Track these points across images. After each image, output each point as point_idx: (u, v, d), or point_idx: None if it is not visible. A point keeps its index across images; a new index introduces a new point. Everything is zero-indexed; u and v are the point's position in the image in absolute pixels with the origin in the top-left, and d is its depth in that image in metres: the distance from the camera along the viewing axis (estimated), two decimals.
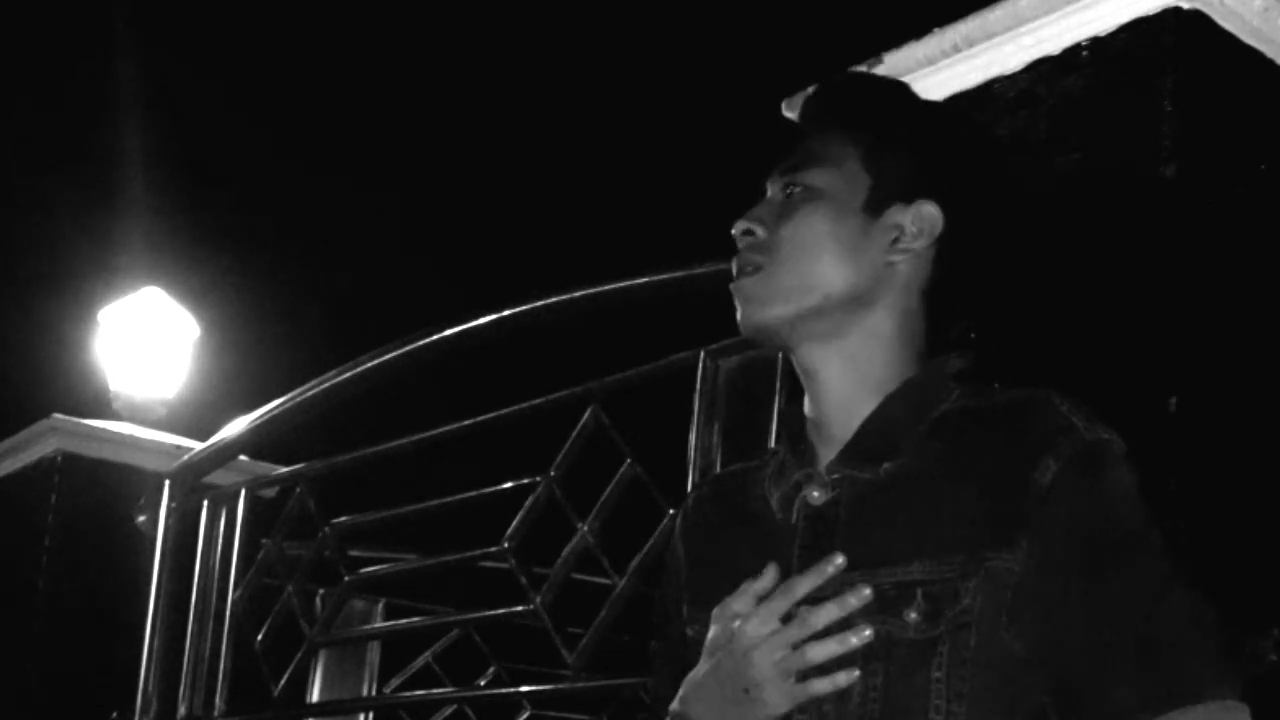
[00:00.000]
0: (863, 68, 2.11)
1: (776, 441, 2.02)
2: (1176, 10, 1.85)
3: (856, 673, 1.21)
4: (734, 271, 1.37)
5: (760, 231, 1.35)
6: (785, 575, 1.28)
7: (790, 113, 2.16)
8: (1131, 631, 1.18)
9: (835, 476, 1.30)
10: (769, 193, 1.40)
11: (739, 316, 1.36)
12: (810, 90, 1.47)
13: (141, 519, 3.67)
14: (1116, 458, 1.24)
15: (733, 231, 1.38)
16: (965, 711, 1.19)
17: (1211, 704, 1.17)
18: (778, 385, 2.12)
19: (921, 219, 1.33)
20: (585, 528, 2.47)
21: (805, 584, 1.24)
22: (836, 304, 1.32)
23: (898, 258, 1.33)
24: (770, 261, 1.34)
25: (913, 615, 1.21)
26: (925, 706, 1.20)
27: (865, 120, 1.38)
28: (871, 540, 1.26)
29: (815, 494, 1.30)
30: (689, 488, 2.25)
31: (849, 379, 1.33)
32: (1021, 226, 1.48)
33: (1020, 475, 1.21)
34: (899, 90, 1.47)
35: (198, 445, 3.71)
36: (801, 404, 1.38)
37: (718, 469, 2.22)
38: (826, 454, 1.33)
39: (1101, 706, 1.18)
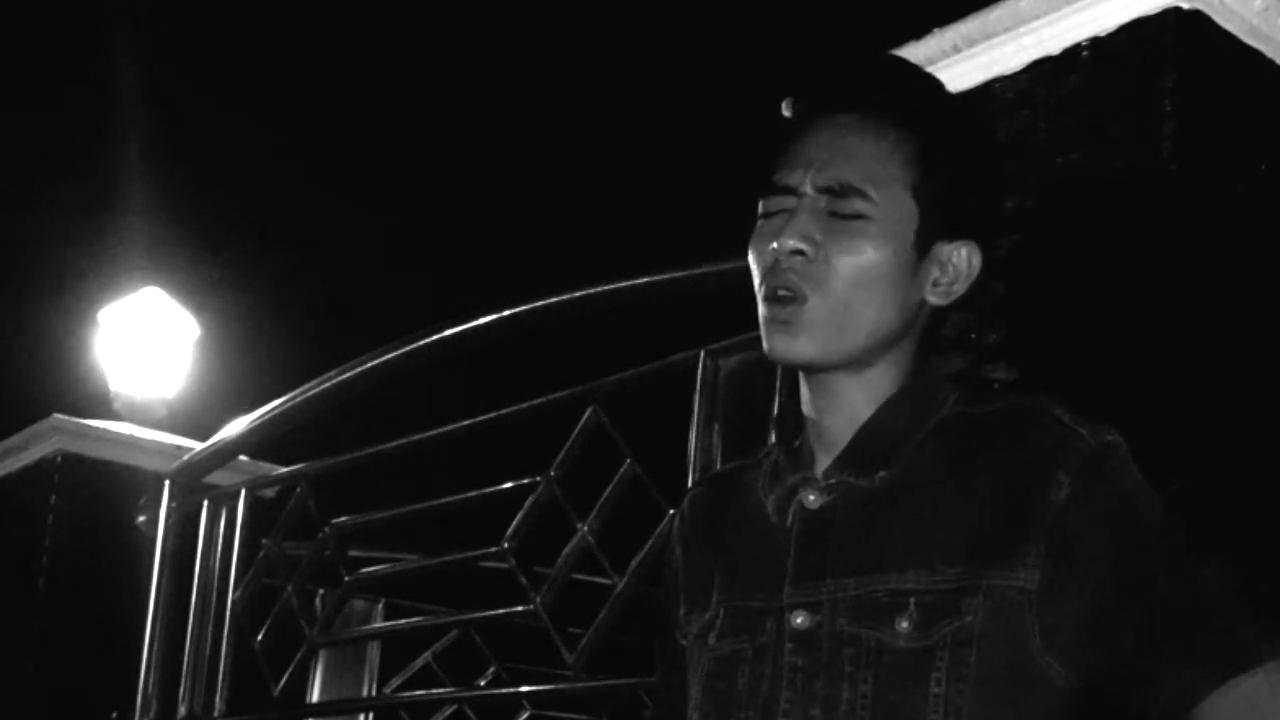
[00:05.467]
0: None
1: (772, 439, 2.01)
2: (1176, 10, 1.84)
3: None
4: (768, 290, 1.28)
5: (810, 253, 1.26)
6: (779, 580, 1.27)
7: (789, 111, 2.15)
8: (1177, 612, 1.19)
9: (832, 482, 1.29)
10: (795, 186, 1.29)
11: (770, 342, 1.29)
12: (844, 65, 1.36)
13: (142, 519, 3.68)
14: (1123, 457, 1.24)
15: (776, 245, 1.27)
16: None
17: (1270, 664, 1.18)
18: (778, 385, 2.12)
19: (962, 262, 1.30)
20: (585, 528, 2.47)
21: None
22: (877, 344, 1.28)
23: (935, 300, 1.30)
24: (819, 293, 1.26)
25: (903, 624, 1.20)
26: None
27: (914, 127, 1.28)
28: (866, 547, 1.25)
29: (811, 499, 1.29)
30: (688, 487, 2.25)
31: (861, 396, 1.31)
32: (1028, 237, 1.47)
33: (1030, 492, 1.21)
34: (941, 90, 1.37)
35: (198, 445, 3.72)
36: (798, 401, 1.35)
37: (718, 468, 2.22)
38: (824, 457, 1.31)
39: (1161, 690, 1.19)
